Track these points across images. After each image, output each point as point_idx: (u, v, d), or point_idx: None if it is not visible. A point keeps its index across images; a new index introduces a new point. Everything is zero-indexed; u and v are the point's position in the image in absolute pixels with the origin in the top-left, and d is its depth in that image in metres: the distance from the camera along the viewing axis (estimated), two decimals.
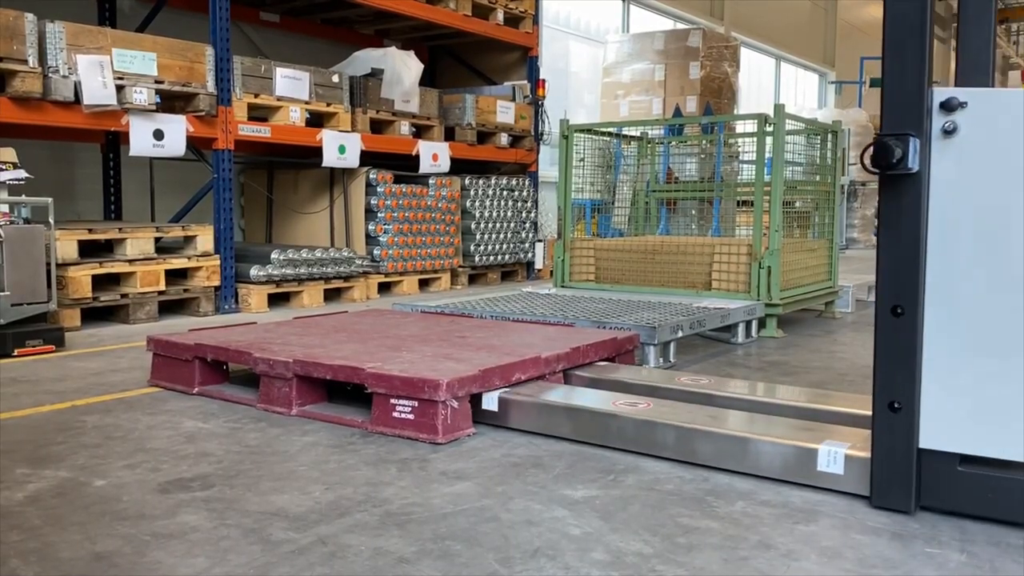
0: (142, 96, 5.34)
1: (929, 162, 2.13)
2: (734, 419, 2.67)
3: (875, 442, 2.21)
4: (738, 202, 5.67)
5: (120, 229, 5.44)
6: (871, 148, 2.11)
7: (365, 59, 7.38)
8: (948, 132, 2.11)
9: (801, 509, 2.21)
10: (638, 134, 6.95)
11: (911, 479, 2.17)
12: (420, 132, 7.65)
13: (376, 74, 7.21)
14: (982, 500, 2.12)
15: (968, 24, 2.53)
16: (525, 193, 8.69)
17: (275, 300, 6.29)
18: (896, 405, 2.17)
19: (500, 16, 8.49)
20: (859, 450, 2.32)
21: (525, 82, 8.99)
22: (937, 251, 2.13)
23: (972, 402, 2.11)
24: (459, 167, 7.97)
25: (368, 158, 7.09)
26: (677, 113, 10.31)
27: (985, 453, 2.10)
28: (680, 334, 4.12)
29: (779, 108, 5.09)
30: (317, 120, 6.73)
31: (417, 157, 7.46)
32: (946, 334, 2.13)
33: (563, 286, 5.79)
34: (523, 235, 8.70)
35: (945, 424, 2.13)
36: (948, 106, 2.11)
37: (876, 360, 2.20)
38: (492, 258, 8.34)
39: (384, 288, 7.31)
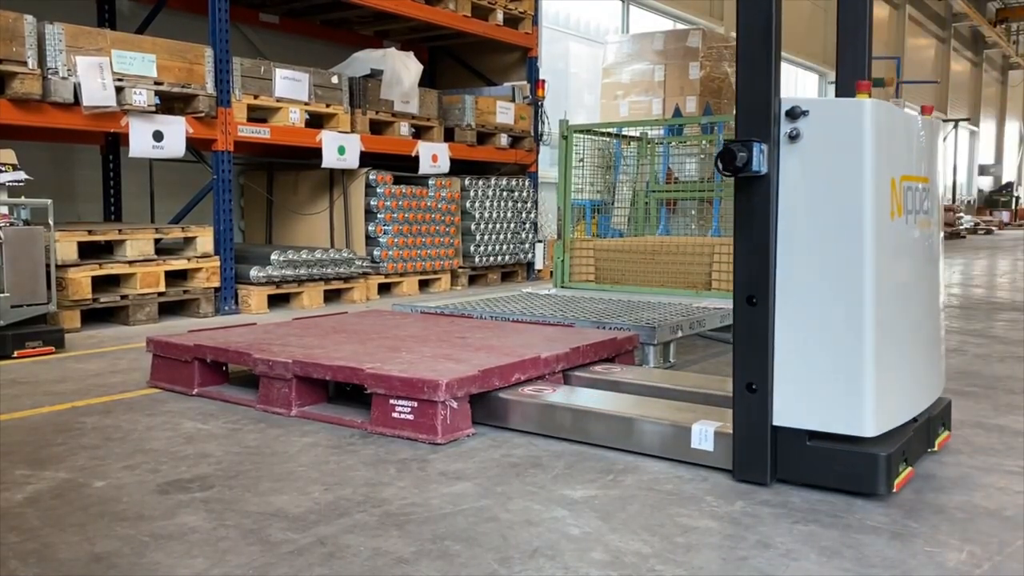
0: (141, 97, 5.34)
1: (778, 165, 2.31)
2: (626, 402, 2.86)
3: (735, 421, 2.40)
4: None
5: (120, 230, 5.44)
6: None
7: (364, 60, 7.38)
8: (793, 138, 2.30)
9: (803, 508, 2.21)
10: (638, 134, 6.95)
11: (766, 454, 2.35)
12: (420, 133, 7.65)
13: (375, 75, 7.21)
14: (829, 472, 2.31)
15: (845, 34, 2.85)
16: (525, 194, 8.70)
17: (275, 301, 6.29)
18: (752, 386, 2.35)
19: (500, 17, 8.49)
20: (728, 428, 2.46)
21: (525, 83, 8.99)
22: (785, 246, 2.31)
23: (818, 383, 2.28)
24: (459, 168, 7.97)
25: (368, 159, 7.09)
26: (677, 113, 10.31)
27: (830, 429, 2.29)
28: (680, 334, 4.12)
29: None
30: (317, 121, 6.74)
31: (417, 158, 7.46)
32: (794, 321, 2.31)
33: (563, 286, 5.78)
34: (523, 236, 8.70)
35: (795, 403, 2.31)
36: (792, 114, 2.30)
37: (735, 345, 2.39)
38: (492, 259, 8.34)
39: (384, 289, 7.31)
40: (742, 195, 2.36)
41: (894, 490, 2.29)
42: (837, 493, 2.33)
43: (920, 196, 2.53)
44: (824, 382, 2.28)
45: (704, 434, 2.51)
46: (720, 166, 2.29)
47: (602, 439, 2.73)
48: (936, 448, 2.67)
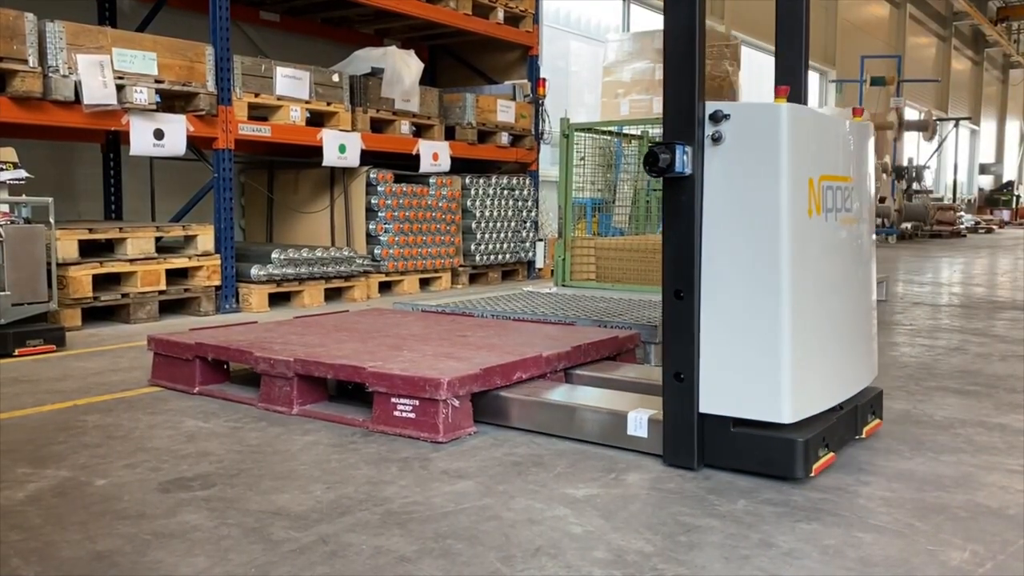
0: (142, 96, 5.33)
1: (702, 166, 2.42)
2: (568, 391, 2.97)
3: (665, 409, 2.52)
4: None
5: (120, 229, 5.44)
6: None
7: (365, 58, 7.37)
8: (716, 140, 2.41)
9: (803, 507, 2.21)
10: (639, 133, 6.94)
11: (693, 440, 2.47)
12: (420, 131, 7.65)
13: (376, 73, 7.20)
14: (751, 457, 2.43)
15: (783, 35, 2.98)
16: (526, 192, 8.69)
17: (276, 300, 6.28)
18: (680, 376, 2.47)
19: (500, 15, 8.48)
20: (661, 416, 2.56)
21: (525, 81, 8.98)
22: (709, 242, 2.43)
23: (739, 372, 2.40)
24: (459, 166, 7.96)
25: (368, 157, 7.08)
26: None
27: (751, 416, 2.40)
28: None
29: None
30: (317, 119, 6.73)
31: (417, 156, 7.46)
32: (718, 314, 2.42)
33: (564, 285, 5.78)
34: (524, 234, 8.70)
35: (719, 392, 2.43)
36: (715, 117, 2.41)
37: (664, 336, 2.51)
38: (493, 257, 8.33)
39: (385, 287, 7.31)
40: (669, 194, 2.47)
41: (812, 474, 2.39)
42: (841, 491, 2.33)
43: (843, 195, 2.63)
44: (745, 371, 2.38)
45: (639, 421, 2.63)
46: (646, 168, 2.39)
47: (547, 428, 2.85)
48: (864, 435, 2.79)
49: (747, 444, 2.43)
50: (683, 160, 2.38)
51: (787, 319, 2.33)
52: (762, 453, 2.40)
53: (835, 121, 2.67)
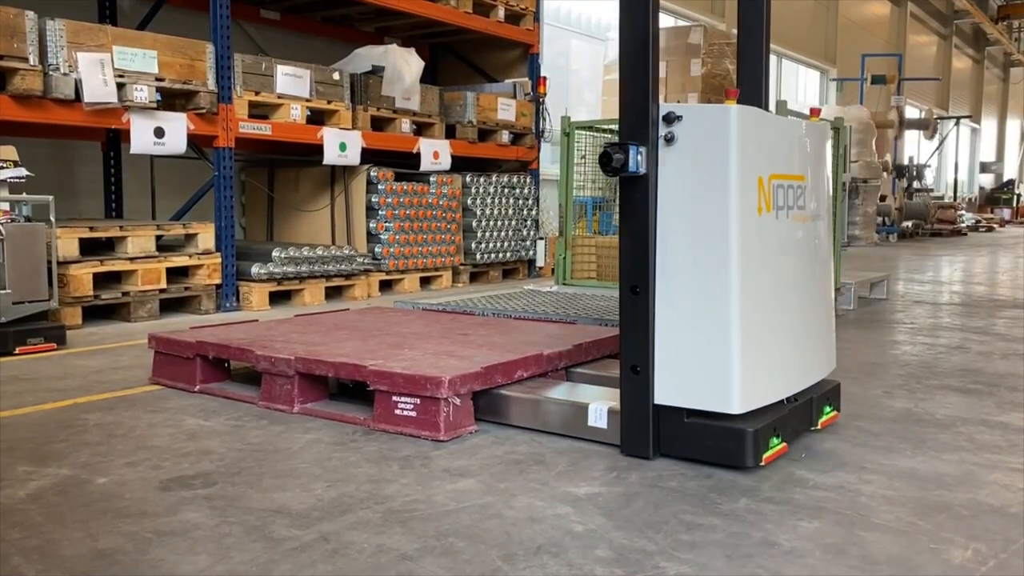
0: (143, 94, 5.33)
1: (657, 166, 2.50)
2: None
3: (622, 400, 2.60)
4: None
5: (121, 227, 5.43)
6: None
7: (366, 56, 7.36)
8: (669, 140, 2.49)
9: (805, 506, 2.21)
10: None
11: (649, 430, 2.55)
12: (421, 130, 7.64)
13: (377, 71, 7.20)
14: (704, 447, 2.50)
15: (745, 35, 3.08)
16: (526, 191, 8.68)
17: (276, 298, 6.28)
18: (636, 368, 2.54)
19: (501, 13, 8.47)
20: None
21: (526, 79, 8.97)
22: (663, 239, 2.51)
23: (692, 364, 2.47)
24: (460, 165, 7.95)
25: (369, 156, 7.07)
26: None
27: (703, 407, 2.48)
28: None
29: (781, 105, 5.08)
30: (318, 118, 6.72)
31: (418, 155, 7.45)
32: (671, 308, 2.50)
33: (565, 283, 5.78)
34: (524, 233, 8.69)
35: (673, 383, 2.50)
36: (668, 119, 2.49)
37: (621, 330, 2.59)
38: (493, 256, 8.33)
39: (385, 286, 7.30)
40: (625, 193, 2.55)
41: (762, 463, 2.46)
42: (843, 490, 2.32)
43: (795, 193, 2.71)
44: (697, 364, 2.46)
45: (599, 413, 2.71)
46: (602, 167, 2.47)
47: (518, 420, 2.91)
48: (819, 427, 2.86)
49: (700, 434, 2.50)
50: (637, 160, 2.46)
51: (736, 313, 2.41)
52: (714, 442, 2.48)
53: (788, 122, 2.77)
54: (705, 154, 2.44)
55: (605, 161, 2.45)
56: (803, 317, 2.78)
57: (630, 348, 2.56)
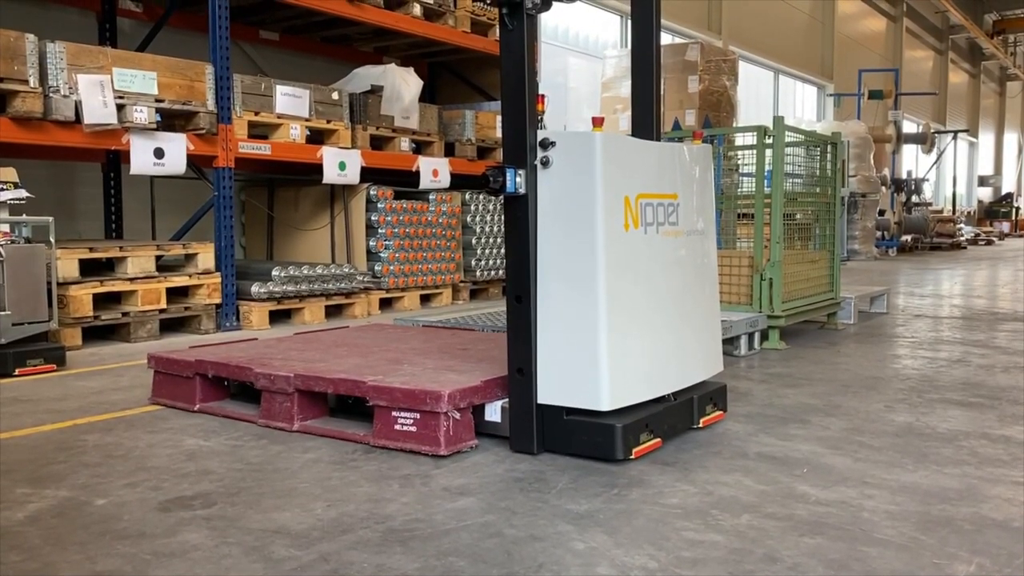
0: (142, 115, 5.35)
1: (535, 186, 2.73)
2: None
3: (510, 400, 2.82)
4: (738, 215, 5.66)
5: (121, 247, 5.44)
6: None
7: (365, 76, 7.40)
8: (544, 164, 2.73)
9: (807, 521, 2.20)
10: None
11: (533, 427, 2.76)
12: (420, 148, 7.67)
13: (376, 91, 7.23)
14: (581, 442, 2.71)
15: (637, 76, 3.31)
16: None
17: (276, 317, 6.28)
18: (521, 371, 2.76)
19: (499, 33, 8.51)
20: None
21: None
22: (542, 253, 2.73)
23: (568, 367, 2.69)
24: (459, 182, 7.97)
25: (368, 174, 7.09)
26: (676, 127, 10.33)
27: (578, 405, 2.69)
28: None
29: (778, 120, 5.10)
30: (317, 137, 6.75)
31: (417, 173, 7.47)
32: (549, 316, 2.72)
33: None
34: None
35: (553, 384, 2.72)
36: (544, 144, 2.73)
37: (508, 335, 2.81)
38: (493, 272, 8.33)
39: (385, 304, 7.30)
40: (508, 211, 2.78)
41: (632, 456, 2.68)
42: (845, 505, 2.31)
43: (665, 211, 2.95)
44: (572, 366, 2.68)
45: (495, 409, 2.92)
46: (483, 188, 2.69)
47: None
48: (701, 425, 3.08)
49: (577, 430, 2.71)
50: (515, 182, 2.70)
51: (604, 320, 2.64)
52: (589, 438, 2.69)
53: (659, 146, 3.03)
54: (575, 176, 2.68)
55: (485, 182, 2.66)
56: (680, 323, 3.01)
57: (516, 352, 2.77)
